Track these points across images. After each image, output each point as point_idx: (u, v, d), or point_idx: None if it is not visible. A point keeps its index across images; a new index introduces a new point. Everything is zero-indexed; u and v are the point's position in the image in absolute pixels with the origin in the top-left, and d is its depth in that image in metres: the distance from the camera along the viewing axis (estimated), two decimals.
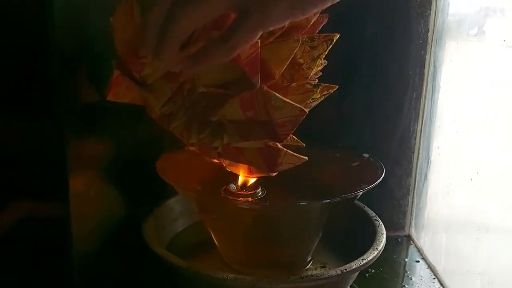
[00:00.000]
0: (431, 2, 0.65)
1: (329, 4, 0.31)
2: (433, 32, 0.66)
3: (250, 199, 0.45)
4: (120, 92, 0.38)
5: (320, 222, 0.49)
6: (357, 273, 0.49)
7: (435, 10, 0.65)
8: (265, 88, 0.33)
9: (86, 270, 0.50)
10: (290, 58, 0.35)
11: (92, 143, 0.52)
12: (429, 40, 0.67)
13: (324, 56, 0.41)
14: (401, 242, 0.75)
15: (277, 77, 0.34)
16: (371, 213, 0.57)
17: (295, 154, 0.38)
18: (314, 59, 0.39)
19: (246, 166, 0.42)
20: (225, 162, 0.42)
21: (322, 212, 0.47)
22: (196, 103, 0.39)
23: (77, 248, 0.48)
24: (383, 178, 0.50)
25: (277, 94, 0.34)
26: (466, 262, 0.59)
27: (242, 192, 0.45)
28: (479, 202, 0.54)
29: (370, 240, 0.51)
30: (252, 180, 0.45)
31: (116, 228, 0.57)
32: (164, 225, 0.59)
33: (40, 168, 0.50)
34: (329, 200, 0.43)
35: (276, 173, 0.41)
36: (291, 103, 0.34)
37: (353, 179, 0.51)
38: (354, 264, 0.46)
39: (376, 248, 0.49)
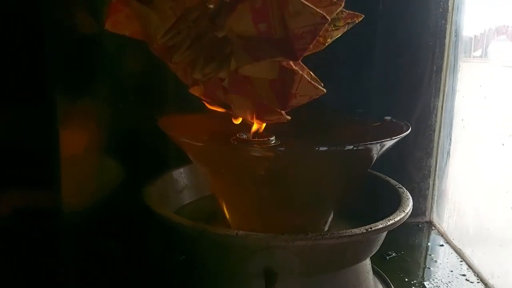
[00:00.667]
0: None
1: None
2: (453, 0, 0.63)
3: (263, 146, 0.41)
4: (119, 21, 0.34)
5: (340, 182, 0.44)
6: (381, 239, 0.44)
7: None
8: None
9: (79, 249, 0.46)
10: None
11: (84, 124, 0.48)
12: (450, 9, 0.63)
13: None
14: (422, 228, 0.70)
15: None
16: (394, 182, 0.52)
17: (312, 82, 0.33)
18: None
19: (255, 109, 0.37)
20: (233, 104, 0.37)
21: (343, 166, 0.43)
22: (203, 35, 0.35)
23: (68, 223, 0.44)
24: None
25: None
26: (498, 241, 0.54)
27: (254, 140, 0.41)
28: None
29: (395, 206, 0.46)
30: (263, 126, 0.40)
31: (114, 202, 0.53)
32: (168, 196, 0.54)
33: (32, 156, 0.47)
34: (351, 147, 0.39)
35: (289, 111, 0.36)
36: (311, 7, 0.29)
37: (375, 138, 0.46)
38: (380, 224, 0.41)
39: (403, 210, 0.44)
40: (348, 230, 0.40)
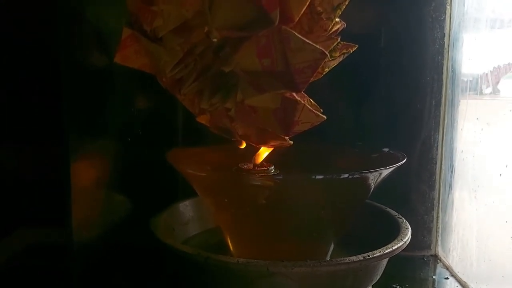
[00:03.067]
0: (446, 7, 0.65)
1: None
2: (449, 37, 0.65)
3: (263, 175, 0.42)
4: (129, 55, 0.37)
5: (339, 211, 0.46)
6: (381, 268, 0.45)
7: (450, 14, 0.64)
8: (283, 27, 0.32)
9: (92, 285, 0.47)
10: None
11: (94, 159, 0.51)
12: (446, 45, 0.66)
13: (344, 6, 0.39)
14: (427, 261, 0.70)
15: (296, 20, 0.33)
16: (394, 212, 0.53)
17: (313, 110, 0.35)
18: (334, 9, 0.38)
19: (260, 134, 0.39)
20: (238, 130, 0.40)
21: (340, 196, 0.44)
22: (208, 68, 0.37)
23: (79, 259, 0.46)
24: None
25: (296, 34, 0.32)
26: (501, 270, 0.54)
27: (254, 169, 0.43)
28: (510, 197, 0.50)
29: (394, 235, 0.48)
30: (265, 154, 0.42)
31: (121, 234, 0.55)
32: (174, 228, 0.55)
33: (44, 193, 0.49)
34: (347, 175, 0.40)
35: (291, 136, 0.38)
36: (311, 44, 0.32)
37: (373, 168, 0.48)
38: (378, 252, 0.42)
39: (401, 239, 0.45)
40: (346, 258, 0.41)
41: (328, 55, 0.33)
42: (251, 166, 0.43)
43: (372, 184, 0.44)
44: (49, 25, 0.42)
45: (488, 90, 0.60)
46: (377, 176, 0.43)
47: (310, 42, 0.32)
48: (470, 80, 0.62)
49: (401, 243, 0.44)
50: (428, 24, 0.65)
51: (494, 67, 0.59)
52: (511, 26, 0.56)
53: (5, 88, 0.49)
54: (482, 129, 0.57)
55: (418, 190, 0.70)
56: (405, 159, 0.47)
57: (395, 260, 0.47)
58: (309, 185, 0.40)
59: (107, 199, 0.54)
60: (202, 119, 0.40)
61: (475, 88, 0.61)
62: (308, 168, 0.49)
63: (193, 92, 0.38)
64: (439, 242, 0.70)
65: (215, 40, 0.33)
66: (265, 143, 0.40)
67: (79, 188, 0.44)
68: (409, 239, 0.46)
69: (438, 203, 0.70)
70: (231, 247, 0.50)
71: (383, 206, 0.55)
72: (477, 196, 0.60)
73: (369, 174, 0.42)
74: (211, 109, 0.38)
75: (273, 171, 0.44)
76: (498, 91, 0.60)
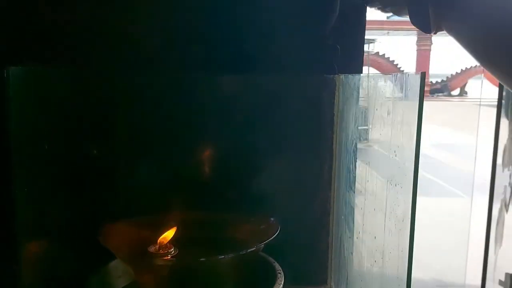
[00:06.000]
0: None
1: None
2: None
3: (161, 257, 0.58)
4: None
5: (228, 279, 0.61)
6: None
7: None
8: None
9: None
10: None
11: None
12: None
13: None
14: None
15: None
16: (278, 266, 0.69)
17: None
18: None
19: None
20: None
21: (228, 268, 0.60)
22: None
23: None
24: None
25: None
26: None
27: (158, 252, 0.58)
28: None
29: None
30: (168, 238, 0.57)
31: None
32: (109, 282, 0.70)
33: None
34: (223, 256, 0.56)
35: None
36: None
37: (259, 238, 0.63)
38: None
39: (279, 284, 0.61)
40: None
41: None
42: (157, 247, 0.58)
43: (252, 255, 0.60)
44: None
45: None
46: (259, 249, 0.59)
47: None
48: None
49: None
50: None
51: None
52: None
53: None
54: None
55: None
56: (278, 231, 0.62)
57: None
58: (196, 265, 0.56)
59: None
60: None
61: None
62: (210, 240, 0.64)
63: None
64: (333, 276, 0.87)
65: None
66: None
67: None
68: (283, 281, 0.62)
69: (332, 241, 0.86)
70: None
71: (272, 260, 0.70)
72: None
73: (245, 252, 0.57)
74: None
75: (172, 252, 0.59)
76: None
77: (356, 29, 0.81)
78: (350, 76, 0.74)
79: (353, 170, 0.73)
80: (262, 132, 0.80)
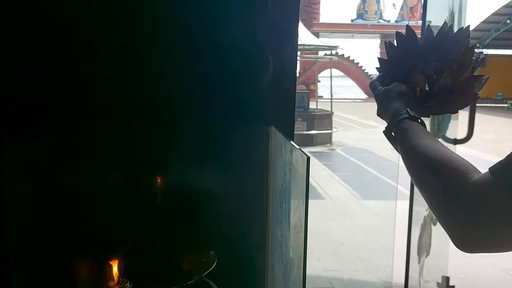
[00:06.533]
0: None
1: None
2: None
3: None
4: None
5: None
6: None
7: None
8: None
9: None
10: None
11: None
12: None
13: None
14: None
15: None
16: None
17: None
18: None
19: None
20: None
21: None
22: None
23: None
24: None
25: None
26: None
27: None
28: None
29: None
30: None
31: None
32: None
33: None
34: None
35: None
36: None
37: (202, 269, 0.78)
38: None
39: None
40: None
41: None
42: (115, 283, 0.73)
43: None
44: None
45: None
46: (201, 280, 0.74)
47: None
48: None
49: None
50: None
51: None
52: None
53: None
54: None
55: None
56: (214, 265, 0.78)
57: None
58: None
59: None
60: None
61: None
62: (159, 270, 0.79)
63: None
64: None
65: None
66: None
67: None
68: None
69: (269, 254, 1.02)
70: None
71: (213, 284, 0.86)
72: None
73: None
74: None
75: (128, 286, 0.73)
76: None
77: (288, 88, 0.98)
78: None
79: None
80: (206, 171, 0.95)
